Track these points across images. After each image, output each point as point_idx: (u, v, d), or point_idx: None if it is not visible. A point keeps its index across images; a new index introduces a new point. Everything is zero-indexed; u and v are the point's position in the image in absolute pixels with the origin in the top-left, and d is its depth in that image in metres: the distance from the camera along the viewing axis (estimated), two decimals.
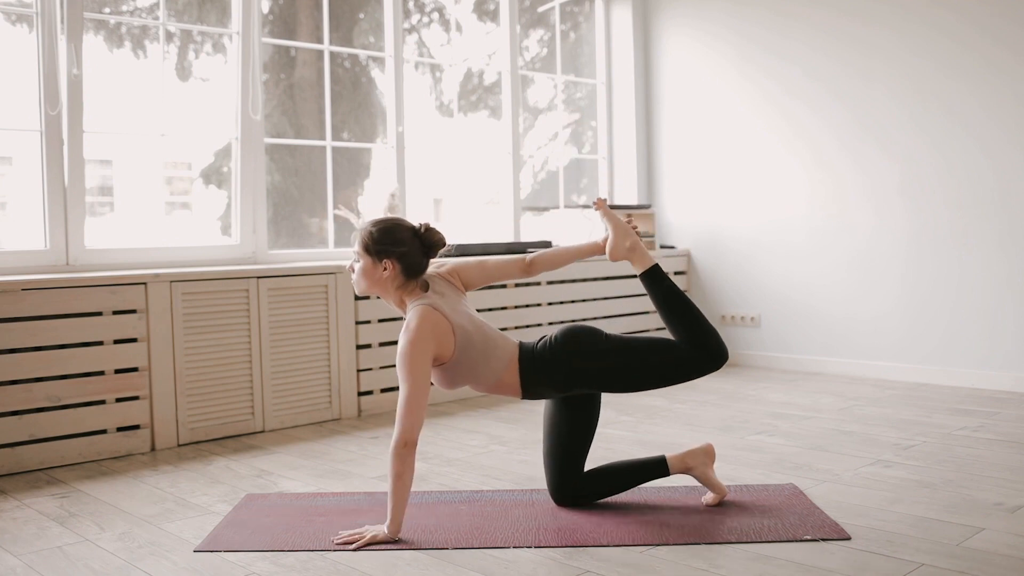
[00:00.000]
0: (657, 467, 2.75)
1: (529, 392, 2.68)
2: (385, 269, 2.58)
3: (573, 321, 5.19)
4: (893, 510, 2.69)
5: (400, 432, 2.44)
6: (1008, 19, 4.53)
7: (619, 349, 2.65)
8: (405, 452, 2.44)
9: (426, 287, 2.66)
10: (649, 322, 5.62)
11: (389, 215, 2.70)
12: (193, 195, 4.74)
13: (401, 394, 2.48)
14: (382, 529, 2.49)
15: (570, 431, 2.73)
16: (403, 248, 2.58)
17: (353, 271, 2.64)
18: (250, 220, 4.37)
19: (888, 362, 4.99)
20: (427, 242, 2.62)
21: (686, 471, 2.75)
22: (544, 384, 2.66)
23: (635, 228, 2.81)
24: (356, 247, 2.62)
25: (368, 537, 2.47)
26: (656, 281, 2.75)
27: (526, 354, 2.66)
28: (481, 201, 5.81)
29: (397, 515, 2.47)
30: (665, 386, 2.71)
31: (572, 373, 2.63)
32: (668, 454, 2.78)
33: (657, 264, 2.78)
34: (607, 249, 2.82)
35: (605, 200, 2.85)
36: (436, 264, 2.75)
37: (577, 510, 2.73)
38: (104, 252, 3.92)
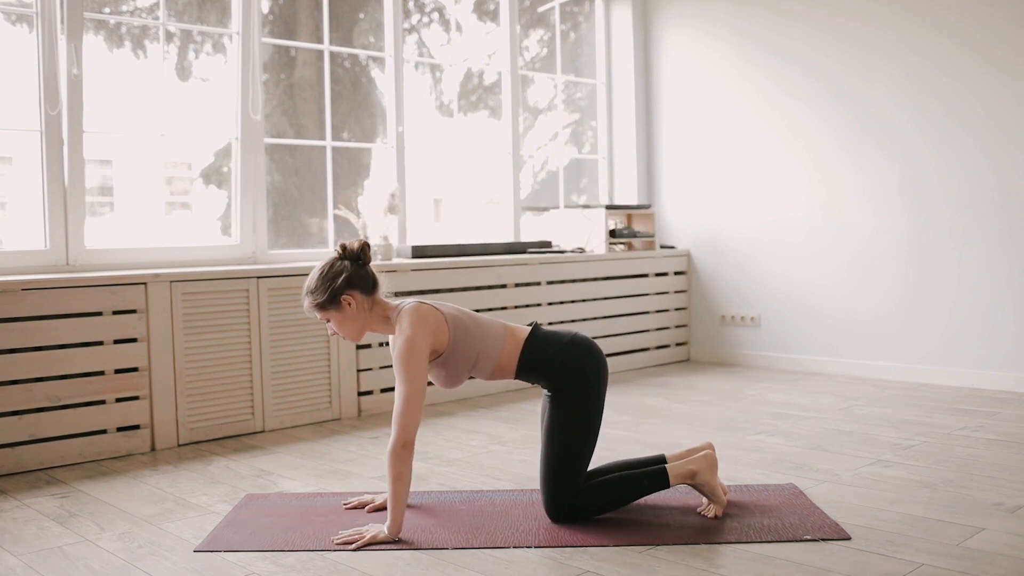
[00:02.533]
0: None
1: (521, 374, 2.67)
2: (350, 304, 2.60)
3: (574, 322, 5.18)
4: (893, 510, 2.69)
5: (398, 433, 2.45)
6: (1008, 19, 4.53)
7: (597, 407, 2.62)
8: (404, 453, 2.45)
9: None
10: (649, 322, 5.62)
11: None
12: (193, 195, 4.74)
13: (398, 395, 2.49)
14: (382, 529, 2.49)
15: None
16: (343, 276, 2.60)
17: (336, 333, 2.67)
18: (250, 220, 4.37)
19: (888, 362, 4.99)
20: (353, 255, 2.64)
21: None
22: (536, 371, 2.64)
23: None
24: (317, 316, 2.64)
25: (368, 537, 2.47)
26: (655, 485, 2.67)
27: (536, 340, 2.65)
28: (481, 201, 5.81)
29: (397, 516, 2.48)
30: (560, 453, 2.58)
31: (558, 373, 2.62)
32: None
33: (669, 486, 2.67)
34: (701, 479, 2.67)
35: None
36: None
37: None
38: (104, 252, 3.92)
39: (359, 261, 2.64)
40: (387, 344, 4.33)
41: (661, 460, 2.77)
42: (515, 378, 2.69)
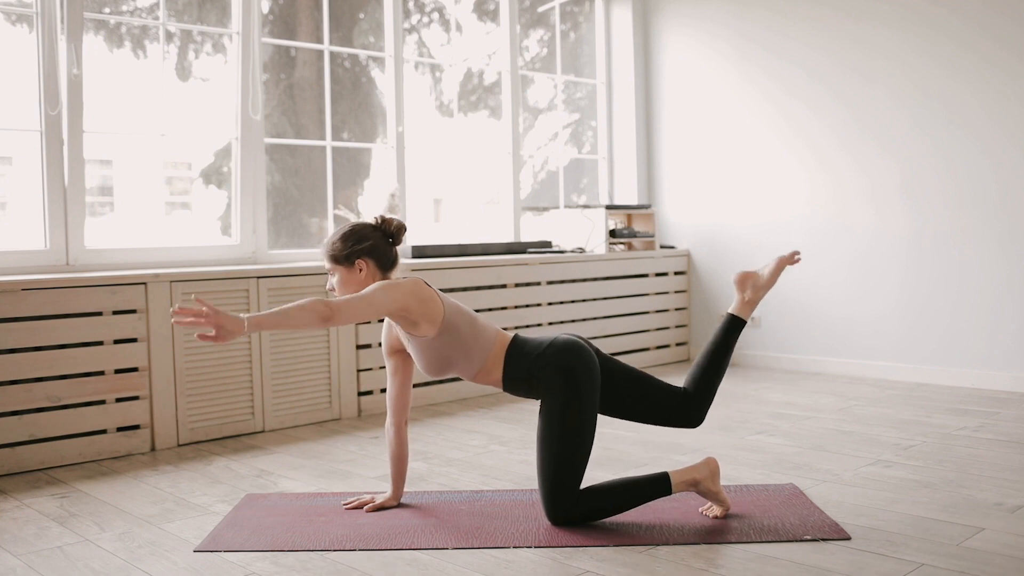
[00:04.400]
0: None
1: (508, 385, 2.66)
2: (360, 270, 2.61)
3: (574, 322, 5.18)
4: (893, 510, 2.69)
5: (334, 306, 2.37)
6: (1008, 19, 4.53)
7: (592, 405, 2.58)
8: (320, 311, 2.34)
9: None
10: (649, 322, 5.62)
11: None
12: (193, 195, 4.74)
13: (358, 296, 2.45)
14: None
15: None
16: (368, 242, 2.62)
17: (334, 289, 2.66)
18: (250, 220, 4.37)
19: (888, 362, 4.99)
20: (388, 231, 2.66)
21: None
22: (521, 381, 2.63)
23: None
24: (327, 264, 2.65)
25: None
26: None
27: (516, 348, 2.64)
28: (481, 201, 5.81)
29: (269, 319, 2.34)
30: (557, 460, 2.54)
31: (544, 379, 2.58)
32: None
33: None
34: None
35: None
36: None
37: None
38: (104, 252, 3.92)
39: (390, 239, 2.66)
40: None
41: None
42: (504, 390, 2.67)
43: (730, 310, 2.82)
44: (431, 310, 2.55)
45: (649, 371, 5.40)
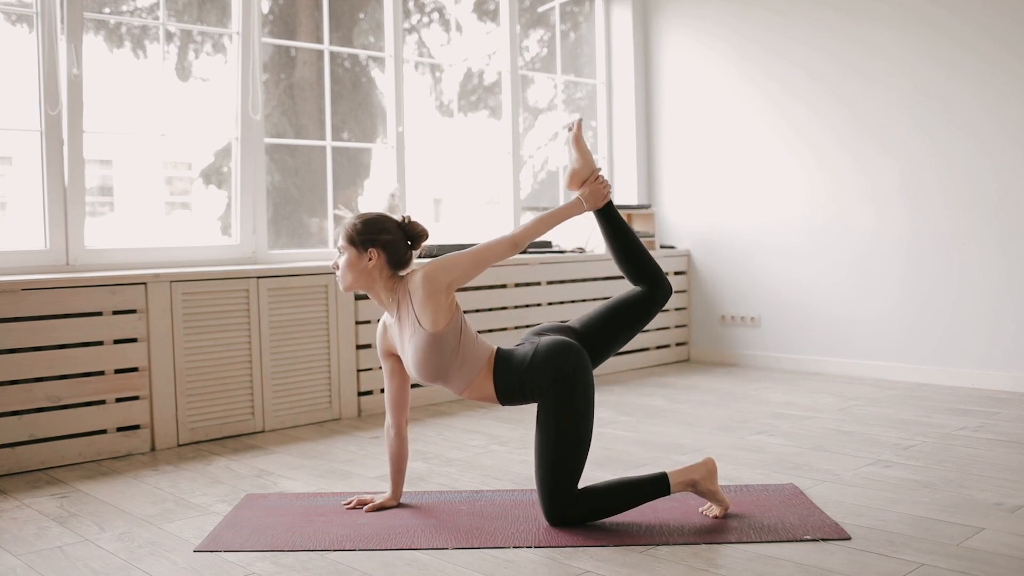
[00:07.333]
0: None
1: (504, 398, 2.64)
2: (370, 259, 2.60)
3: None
4: (893, 510, 2.69)
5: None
6: (1008, 19, 4.53)
7: (588, 405, 2.58)
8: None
9: None
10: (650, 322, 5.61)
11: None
12: (193, 195, 4.75)
13: (474, 248, 2.63)
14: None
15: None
16: (388, 236, 2.61)
17: (337, 267, 2.66)
18: (250, 220, 4.37)
19: (888, 362, 4.99)
20: (411, 233, 2.67)
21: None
22: (516, 392, 2.61)
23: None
24: (340, 242, 2.65)
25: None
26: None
27: (503, 362, 2.63)
28: (481, 201, 5.81)
29: None
30: (555, 462, 2.55)
31: (537, 385, 2.57)
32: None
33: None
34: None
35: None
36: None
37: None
38: (104, 252, 3.92)
39: (409, 241, 2.66)
40: None
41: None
42: (501, 403, 2.65)
43: (588, 208, 2.89)
44: (453, 300, 2.59)
45: (649, 372, 5.42)
